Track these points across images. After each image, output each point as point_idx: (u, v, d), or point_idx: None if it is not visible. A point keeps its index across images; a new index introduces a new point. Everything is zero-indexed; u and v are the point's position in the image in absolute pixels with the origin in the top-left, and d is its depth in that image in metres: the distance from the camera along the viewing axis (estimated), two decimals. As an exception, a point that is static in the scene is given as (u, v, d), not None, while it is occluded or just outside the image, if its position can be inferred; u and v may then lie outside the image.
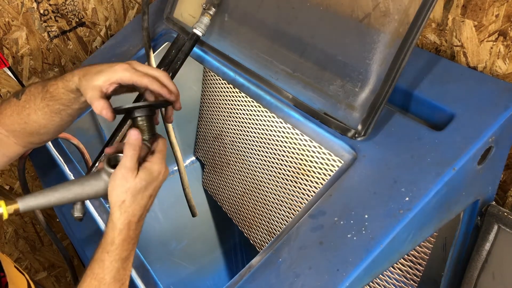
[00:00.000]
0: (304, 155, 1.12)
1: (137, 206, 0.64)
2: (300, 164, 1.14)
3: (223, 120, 1.41)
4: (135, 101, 0.91)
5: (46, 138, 0.80)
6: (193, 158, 1.65)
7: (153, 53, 1.13)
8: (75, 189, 0.65)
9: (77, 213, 0.76)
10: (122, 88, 0.72)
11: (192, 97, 1.51)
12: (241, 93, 1.30)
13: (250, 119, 1.29)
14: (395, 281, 1.00)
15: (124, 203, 0.63)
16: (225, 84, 1.37)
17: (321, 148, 1.06)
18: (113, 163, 0.65)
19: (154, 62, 1.11)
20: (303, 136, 1.11)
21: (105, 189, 0.65)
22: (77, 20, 1.32)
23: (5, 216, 0.62)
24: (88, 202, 0.95)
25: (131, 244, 0.65)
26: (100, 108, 0.68)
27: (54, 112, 0.74)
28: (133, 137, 0.64)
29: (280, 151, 1.20)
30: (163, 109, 0.78)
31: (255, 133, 1.28)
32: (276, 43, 0.89)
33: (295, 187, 1.18)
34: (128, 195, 0.63)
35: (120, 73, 0.68)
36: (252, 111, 1.27)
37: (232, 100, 1.35)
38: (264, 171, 1.27)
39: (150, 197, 0.66)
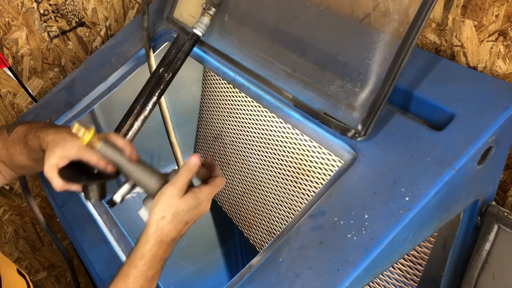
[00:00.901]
0: (304, 155, 1.12)
1: (173, 227, 0.64)
2: (300, 164, 1.14)
3: (223, 120, 1.41)
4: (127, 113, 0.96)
5: (31, 173, 0.85)
6: (193, 158, 1.64)
7: (153, 53, 1.13)
8: (139, 172, 0.66)
9: (116, 197, 0.70)
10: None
11: (192, 97, 1.51)
12: (241, 93, 1.30)
13: (250, 119, 1.29)
14: (395, 281, 1.00)
15: (163, 219, 0.63)
16: (225, 84, 1.37)
17: (321, 148, 1.06)
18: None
19: (154, 62, 1.11)
20: (303, 136, 1.11)
21: (154, 192, 0.65)
22: (77, 20, 1.32)
23: (84, 142, 0.65)
24: (88, 202, 0.95)
25: (159, 264, 0.66)
26: (56, 184, 0.70)
27: (35, 159, 0.77)
28: (193, 161, 0.65)
29: (280, 151, 1.20)
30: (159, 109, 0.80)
31: (255, 133, 1.28)
32: (276, 43, 0.89)
33: (295, 187, 1.18)
34: (169, 212, 0.63)
35: (69, 151, 0.70)
36: (252, 111, 1.27)
37: (232, 100, 1.35)
38: (264, 171, 1.27)
39: (186, 224, 0.66)
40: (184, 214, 0.64)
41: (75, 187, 0.72)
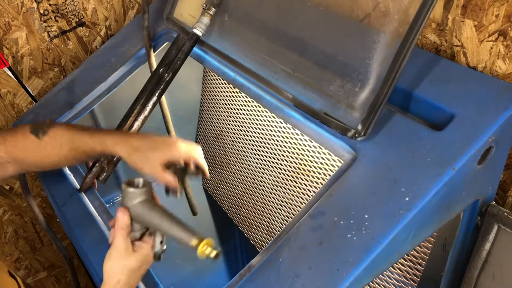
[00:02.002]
0: (304, 155, 1.12)
1: (128, 286, 0.67)
2: (300, 164, 1.14)
3: (223, 120, 1.41)
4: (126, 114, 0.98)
5: (49, 169, 0.86)
6: (193, 158, 1.64)
7: (153, 52, 1.13)
8: (174, 229, 0.69)
9: (157, 251, 0.74)
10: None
11: (192, 97, 1.51)
12: (241, 93, 1.30)
13: (250, 119, 1.29)
14: (395, 281, 1.00)
15: (119, 283, 0.66)
16: (225, 84, 1.37)
17: (321, 148, 1.06)
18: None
19: (154, 62, 1.11)
20: (303, 136, 1.11)
21: (187, 243, 0.69)
22: (77, 20, 1.32)
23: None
24: (88, 202, 0.95)
25: None
26: (167, 180, 0.75)
27: (76, 159, 0.80)
28: (121, 219, 0.67)
29: (280, 151, 1.20)
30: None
31: (255, 133, 1.28)
32: (276, 43, 0.89)
33: (295, 187, 1.18)
34: (123, 275, 0.66)
35: (175, 152, 0.76)
36: (252, 111, 1.27)
37: (232, 100, 1.35)
38: (264, 171, 1.27)
39: (140, 277, 0.69)
40: (138, 270, 0.67)
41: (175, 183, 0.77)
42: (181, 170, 0.79)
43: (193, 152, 0.78)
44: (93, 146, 0.77)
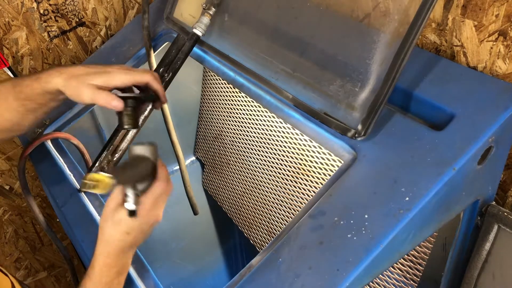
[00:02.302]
0: (304, 155, 1.12)
1: (115, 240, 0.67)
2: (300, 164, 1.14)
3: (223, 120, 1.41)
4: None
5: (17, 134, 0.81)
6: (193, 158, 1.64)
7: (153, 52, 1.13)
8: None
9: (129, 206, 0.68)
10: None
11: (192, 97, 1.51)
12: (241, 93, 1.30)
13: (250, 119, 1.29)
14: (395, 281, 1.00)
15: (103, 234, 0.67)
16: (225, 84, 1.37)
17: (321, 148, 1.06)
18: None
19: (154, 61, 1.11)
20: (303, 136, 1.11)
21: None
22: (77, 20, 1.32)
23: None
24: (88, 202, 0.95)
25: (112, 271, 0.68)
26: (110, 99, 0.67)
27: (30, 111, 0.75)
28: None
29: (280, 151, 1.20)
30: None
31: (255, 133, 1.28)
32: (276, 43, 0.89)
33: (295, 187, 1.18)
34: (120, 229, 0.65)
35: (119, 75, 0.69)
36: (252, 111, 1.27)
37: (232, 100, 1.35)
38: (264, 171, 1.27)
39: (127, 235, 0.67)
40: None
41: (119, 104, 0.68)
42: (134, 98, 0.71)
43: (140, 75, 0.70)
44: (33, 87, 0.72)
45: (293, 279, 0.65)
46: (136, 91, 0.75)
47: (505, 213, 0.82)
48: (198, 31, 0.96)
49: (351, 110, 0.75)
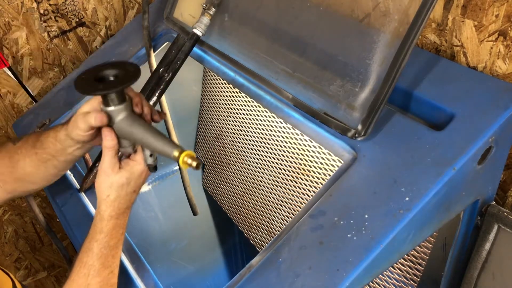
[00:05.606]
0: (304, 155, 1.12)
1: (122, 200, 0.69)
2: (300, 164, 1.14)
3: (223, 120, 1.41)
4: None
5: (30, 188, 0.83)
6: (193, 158, 1.64)
7: (153, 52, 1.13)
8: (156, 144, 0.66)
9: (150, 162, 0.71)
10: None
11: (192, 97, 1.51)
12: (241, 93, 1.30)
13: (250, 119, 1.29)
14: (395, 281, 1.00)
15: (108, 198, 0.68)
16: (225, 84, 1.37)
17: (321, 148, 1.06)
18: None
19: (154, 61, 1.11)
20: (303, 136, 1.11)
21: (170, 154, 0.66)
22: (77, 20, 1.32)
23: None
24: (88, 202, 0.95)
25: (119, 232, 0.70)
26: (99, 119, 0.67)
27: (41, 161, 0.76)
28: (108, 142, 0.67)
29: (280, 151, 1.20)
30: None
31: (255, 133, 1.28)
32: (276, 43, 0.89)
33: (295, 187, 1.18)
34: (112, 190, 0.68)
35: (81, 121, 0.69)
36: (252, 111, 1.27)
37: (232, 100, 1.35)
38: (264, 171, 1.27)
39: (133, 192, 0.71)
40: (127, 185, 0.68)
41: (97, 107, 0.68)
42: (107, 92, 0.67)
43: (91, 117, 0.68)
44: (47, 136, 0.74)
45: (293, 279, 0.65)
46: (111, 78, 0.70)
47: (505, 213, 0.82)
48: (198, 31, 0.96)
49: (351, 110, 0.75)
